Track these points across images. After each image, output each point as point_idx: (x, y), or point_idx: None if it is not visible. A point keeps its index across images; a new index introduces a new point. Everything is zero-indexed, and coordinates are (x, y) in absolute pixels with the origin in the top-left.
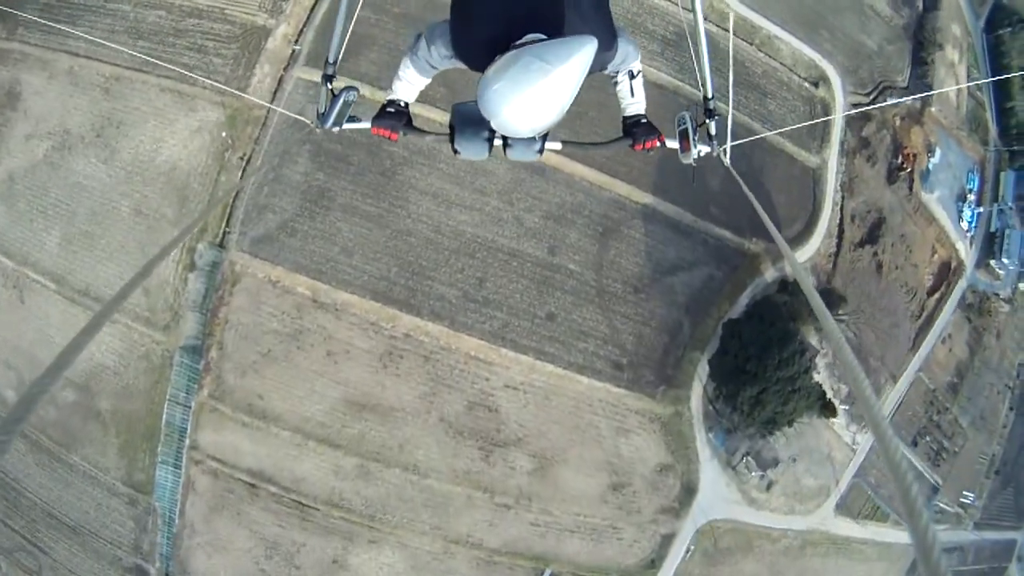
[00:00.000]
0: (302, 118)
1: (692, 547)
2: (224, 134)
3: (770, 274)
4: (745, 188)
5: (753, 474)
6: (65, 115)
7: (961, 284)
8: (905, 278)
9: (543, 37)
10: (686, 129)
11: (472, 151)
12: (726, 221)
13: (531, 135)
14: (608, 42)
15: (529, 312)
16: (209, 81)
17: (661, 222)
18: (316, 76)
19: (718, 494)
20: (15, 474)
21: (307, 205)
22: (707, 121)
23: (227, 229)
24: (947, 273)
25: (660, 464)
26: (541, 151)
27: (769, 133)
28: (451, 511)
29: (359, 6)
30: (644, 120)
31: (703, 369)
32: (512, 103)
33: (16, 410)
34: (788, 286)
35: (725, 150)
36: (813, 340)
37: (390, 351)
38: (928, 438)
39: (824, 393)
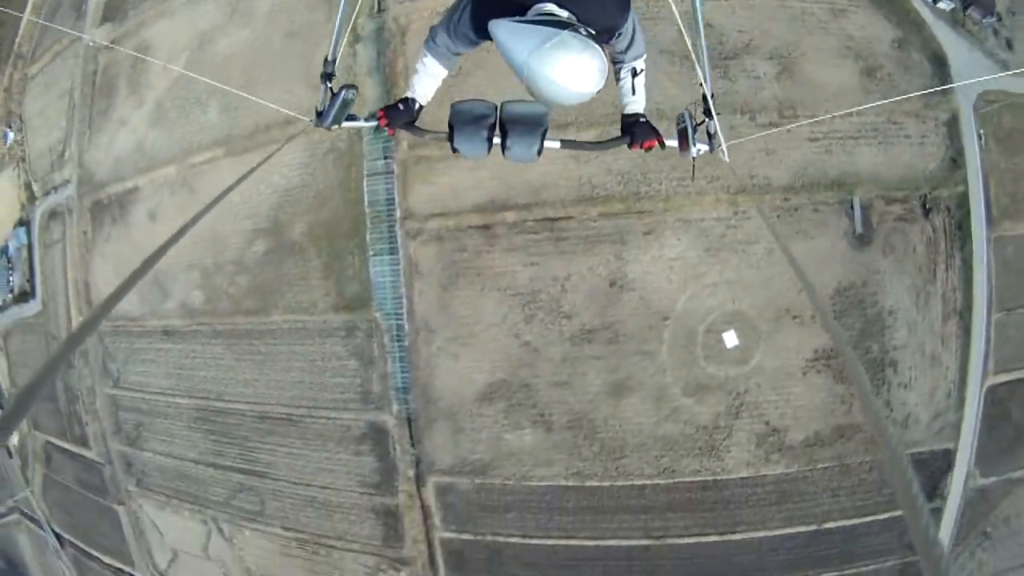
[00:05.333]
0: (299, 116)
1: (982, 131)
2: None
3: None
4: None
5: (984, 22)
6: (194, 25)
7: None
8: None
9: (553, 7)
10: (685, 128)
11: (472, 150)
12: None
13: (587, 97)
14: (623, 5)
15: None
16: None
17: None
18: None
19: (966, 61)
20: (217, 390)
21: None
22: (706, 119)
23: None
24: None
25: (894, 39)
26: (540, 151)
27: None
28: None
29: (359, 4)
30: (643, 120)
31: None
32: (562, 61)
33: (15, 410)
34: None
35: (724, 149)
36: None
37: None
38: None
39: None
